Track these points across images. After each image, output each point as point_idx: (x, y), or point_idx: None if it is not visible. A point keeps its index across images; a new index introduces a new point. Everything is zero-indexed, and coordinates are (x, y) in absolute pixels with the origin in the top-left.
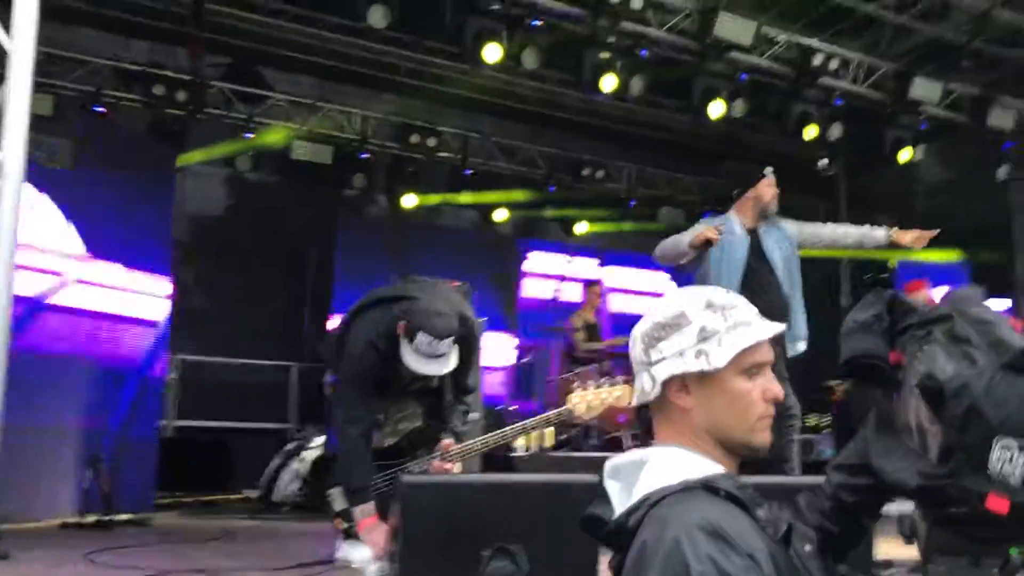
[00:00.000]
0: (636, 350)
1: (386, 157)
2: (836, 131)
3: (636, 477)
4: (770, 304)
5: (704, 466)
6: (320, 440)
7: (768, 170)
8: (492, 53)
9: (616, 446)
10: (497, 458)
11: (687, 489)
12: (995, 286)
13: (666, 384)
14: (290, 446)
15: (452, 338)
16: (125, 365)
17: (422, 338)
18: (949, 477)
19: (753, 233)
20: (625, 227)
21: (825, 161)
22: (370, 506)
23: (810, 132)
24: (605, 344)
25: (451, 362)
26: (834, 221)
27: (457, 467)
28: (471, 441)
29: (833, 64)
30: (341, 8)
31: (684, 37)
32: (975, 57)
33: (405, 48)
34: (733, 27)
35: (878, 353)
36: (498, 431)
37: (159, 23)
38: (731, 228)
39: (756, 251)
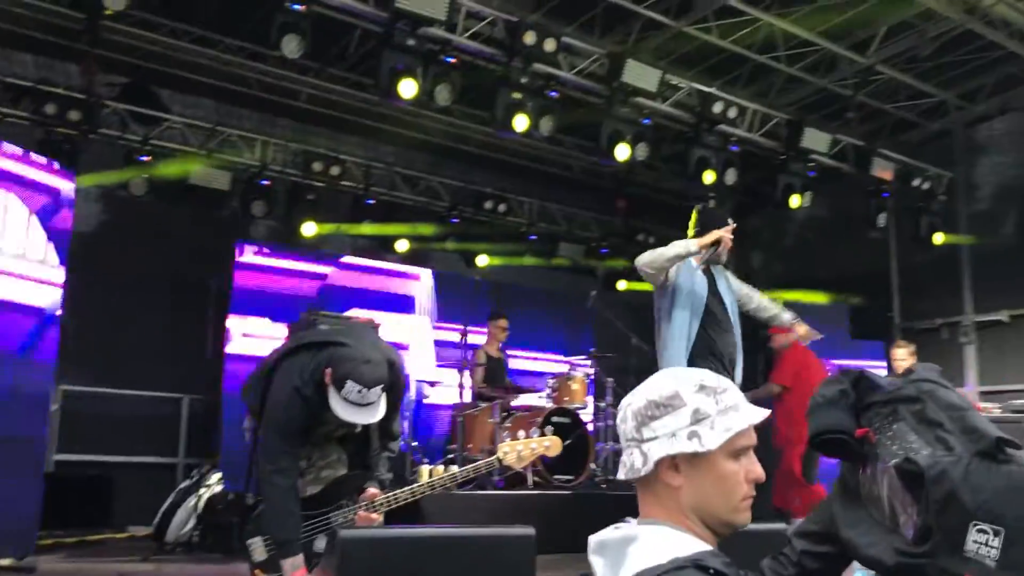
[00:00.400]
0: (627, 426)
1: (286, 184)
2: (731, 176)
3: (624, 554)
4: (727, 343)
5: (692, 544)
6: (217, 477)
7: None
8: (407, 89)
9: (520, 482)
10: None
11: (678, 568)
12: (872, 330)
13: (658, 463)
14: (186, 483)
15: (382, 386)
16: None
17: (351, 387)
18: (927, 557)
19: (708, 273)
20: (526, 261)
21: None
22: (299, 559)
23: (708, 177)
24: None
25: (380, 410)
26: None
27: (380, 517)
28: (398, 491)
29: (731, 112)
30: (254, 36)
31: (593, 81)
32: (859, 109)
33: (307, 74)
34: (639, 73)
35: (844, 428)
36: (426, 481)
37: (48, 37)
38: (690, 264)
39: (713, 291)
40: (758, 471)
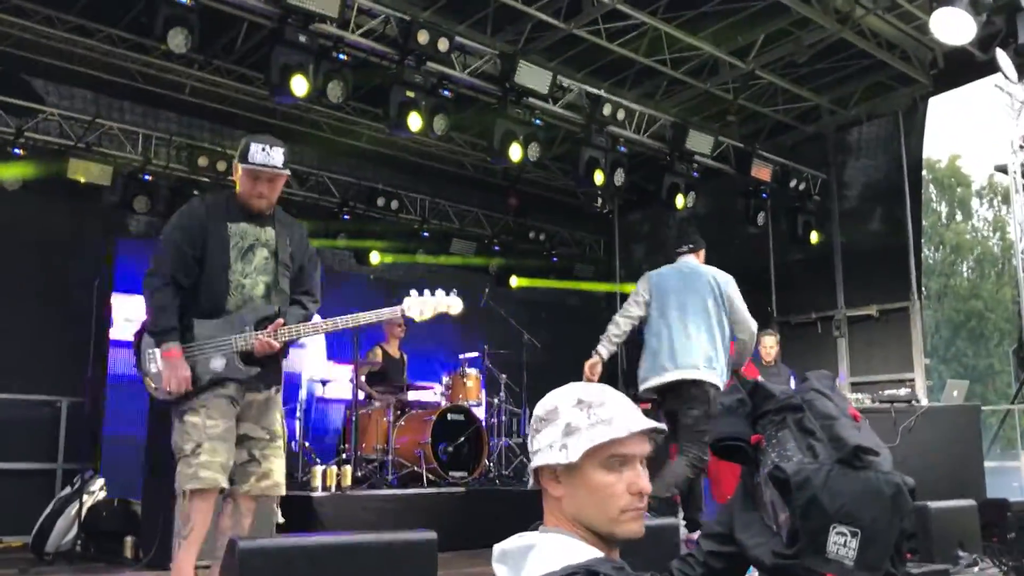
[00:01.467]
0: (528, 442)
1: (170, 180)
2: (620, 177)
3: (523, 561)
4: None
5: (586, 551)
6: (100, 483)
7: None
8: (299, 86)
9: (414, 479)
10: (296, 499)
11: (570, 575)
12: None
13: (539, 473)
14: (66, 491)
15: (282, 149)
16: None
17: (255, 148)
18: (795, 558)
19: None
20: (419, 259)
21: None
22: (174, 346)
23: (598, 178)
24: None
25: (285, 169)
26: (608, 254)
27: (279, 346)
28: (301, 325)
29: (620, 114)
30: (135, 26)
31: (486, 81)
32: (739, 112)
33: (192, 67)
34: (531, 75)
35: (740, 435)
36: (330, 319)
37: None
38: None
39: None
40: (641, 483)
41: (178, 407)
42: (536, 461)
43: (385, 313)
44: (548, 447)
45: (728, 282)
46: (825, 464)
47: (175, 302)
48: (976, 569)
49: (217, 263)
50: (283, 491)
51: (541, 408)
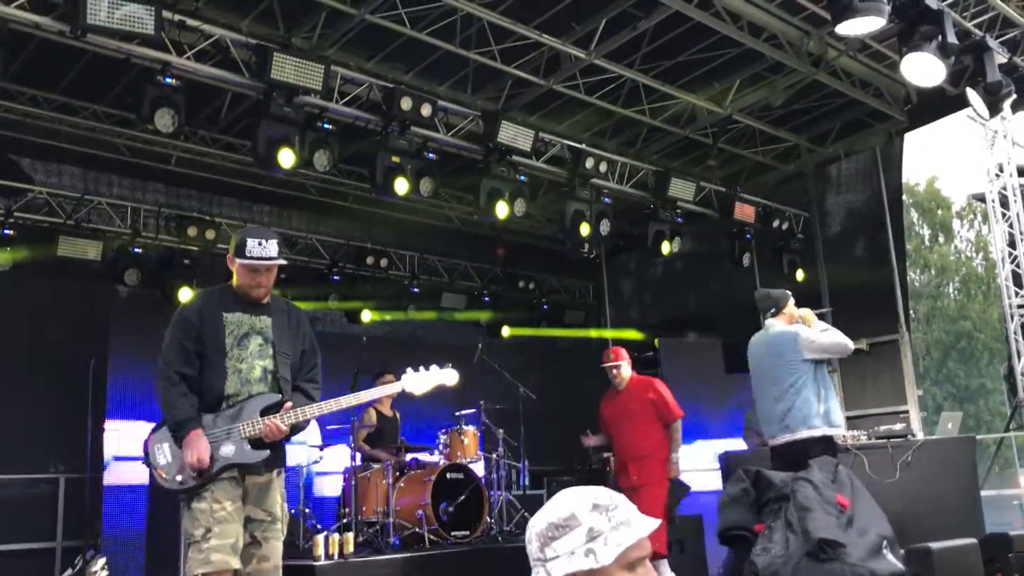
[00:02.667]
0: (532, 547)
1: (159, 251)
2: (605, 227)
3: None
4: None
5: None
6: (102, 562)
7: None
8: (286, 159)
9: (417, 541)
10: (299, 569)
11: None
12: (745, 364)
13: None
14: (68, 573)
15: (277, 241)
16: None
17: (252, 243)
18: None
19: None
20: (411, 315)
21: None
22: (196, 432)
23: (584, 230)
24: (387, 450)
25: (280, 259)
26: (597, 298)
27: (287, 428)
28: (306, 407)
29: (602, 167)
30: (119, 101)
31: (470, 140)
32: (719, 155)
33: (178, 138)
34: (513, 134)
35: (745, 525)
36: (332, 400)
37: None
38: None
39: None
40: None
41: (186, 495)
42: (558, 570)
43: (387, 390)
44: (570, 554)
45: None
46: (793, 557)
47: (187, 396)
48: None
49: (215, 350)
50: (280, 574)
51: (553, 515)
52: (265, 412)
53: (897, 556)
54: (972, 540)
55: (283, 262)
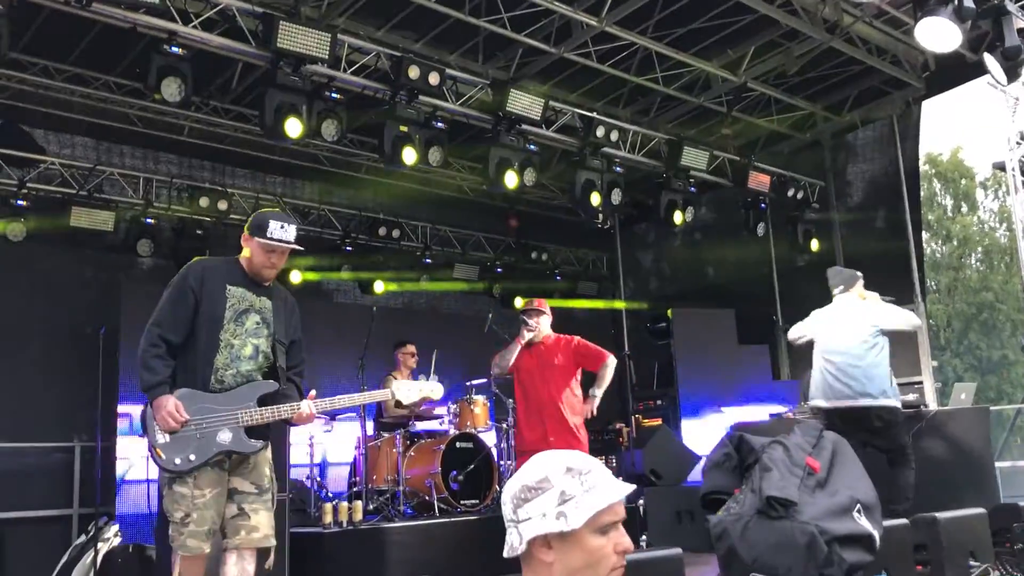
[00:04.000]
0: (506, 509)
1: (172, 221)
2: (617, 197)
3: None
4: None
5: None
6: (114, 529)
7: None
8: (293, 128)
9: (427, 509)
10: (307, 535)
11: None
12: (758, 335)
13: (531, 541)
14: (81, 539)
15: (295, 225)
16: None
17: (274, 225)
18: None
19: None
20: (423, 286)
21: None
22: (162, 398)
23: (595, 199)
24: (410, 413)
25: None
26: (611, 269)
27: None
28: (281, 407)
29: (613, 135)
30: (130, 72)
31: (479, 110)
32: (734, 124)
33: (190, 108)
34: (523, 102)
35: (725, 489)
36: (327, 399)
37: None
38: None
39: None
40: (626, 543)
41: (170, 473)
42: (529, 531)
43: (376, 395)
44: (541, 516)
45: None
46: (745, 515)
47: (163, 359)
48: None
49: (211, 321)
50: (272, 542)
51: (528, 477)
52: (263, 401)
53: (875, 523)
54: (981, 510)
55: (301, 248)
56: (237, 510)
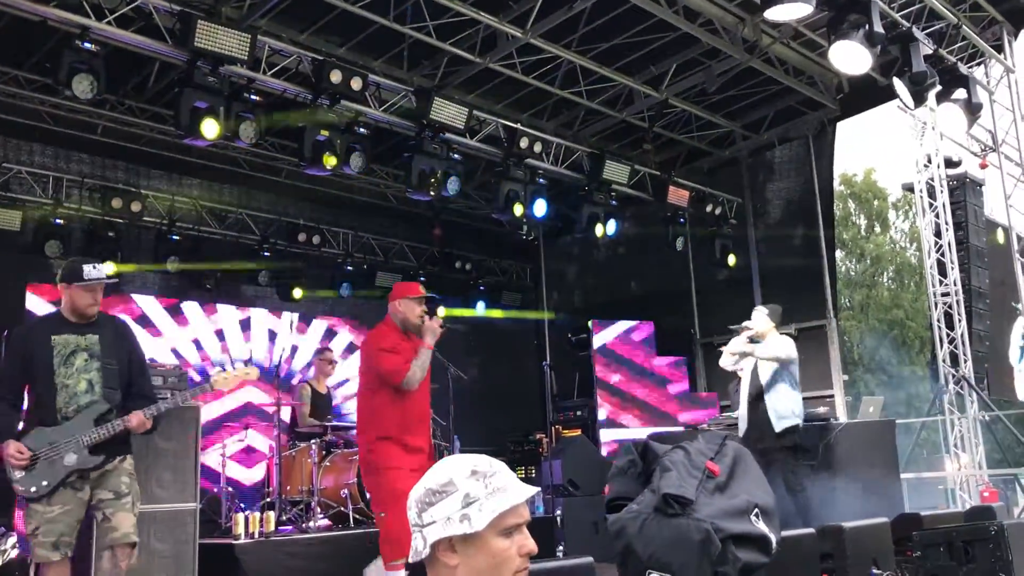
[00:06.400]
0: (411, 513)
1: (83, 223)
2: (540, 208)
3: None
4: None
5: None
6: (12, 541)
7: None
8: (210, 129)
9: (341, 520)
10: (219, 547)
11: None
12: (676, 346)
13: (435, 545)
14: None
15: (109, 264)
16: None
17: (88, 268)
18: None
19: None
20: (344, 294)
21: None
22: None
23: (517, 210)
24: (325, 424)
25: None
26: (535, 280)
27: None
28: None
29: (537, 147)
30: (41, 67)
31: (402, 117)
32: (655, 139)
33: (104, 107)
34: (447, 111)
35: (629, 495)
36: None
37: None
38: None
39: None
40: (530, 545)
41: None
42: (433, 534)
43: (197, 390)
44: (446, 519)
45: None
46: (643, 513)
47: (7, 415)
48: None
49: (44, 370)
50: (134, 539)
51: (432, 481)
52: (99, 421)
53: (773, 527)
54: (884, 519)
55: (116, 280)
56: (102, 516)
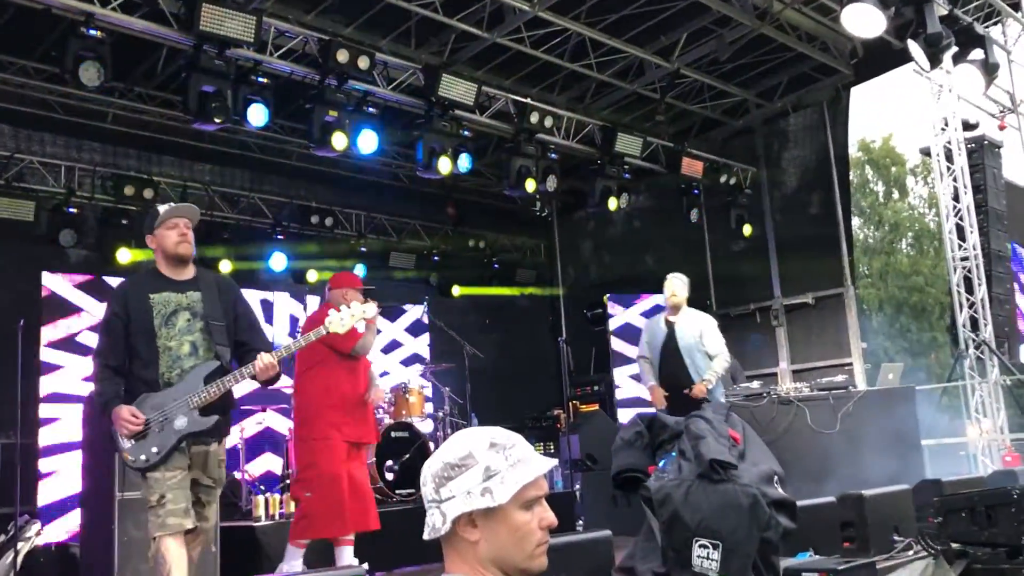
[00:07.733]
0: (427, 488)
1: (96, 211)
2: (552, 183)
3: None
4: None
5: None
6: (36, 528)
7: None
8: (219, 113)
9: None
10: (239, 530)
11: None
12: None
13: (455, 520)
14: (1, 538)
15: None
16: None
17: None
18: (668, 575)
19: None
20: (359, 274)
21: None
22: (116, 410)
23: (529, 186)
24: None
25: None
26: (549, 257)
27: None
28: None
29: (548, 122)
30: (51, 57)
31: (410, 95)
32: (668, 110)
33: (114, 95)
34: (455, 87)
35: (638, 467)
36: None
37: None
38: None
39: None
40: (550, 518)
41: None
42: (453, 509)
43: (311, 336)
44: (467, 493)
45: None
46: (687, 480)
47: (110, 380)
48: (911, 553)
49: (144, 332)
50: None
51: (451, 455)
52: (208, 379)
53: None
54: (905, 486)
55: (198, 208)
56: (195, 499)
